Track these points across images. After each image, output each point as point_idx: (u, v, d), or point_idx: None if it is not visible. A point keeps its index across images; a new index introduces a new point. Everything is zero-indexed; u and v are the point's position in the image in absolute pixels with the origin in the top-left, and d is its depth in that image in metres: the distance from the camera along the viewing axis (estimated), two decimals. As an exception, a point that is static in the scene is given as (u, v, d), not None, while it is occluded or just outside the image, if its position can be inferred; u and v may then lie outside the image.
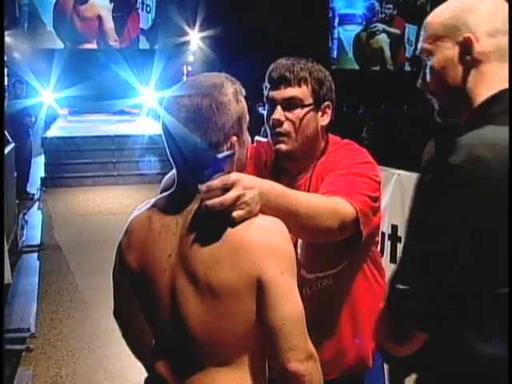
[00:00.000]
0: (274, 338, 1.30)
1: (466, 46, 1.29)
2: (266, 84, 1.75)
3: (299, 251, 1.73)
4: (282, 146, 1.73)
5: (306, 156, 1.77)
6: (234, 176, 1.30)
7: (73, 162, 10.25)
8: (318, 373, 1.33)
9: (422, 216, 1.26)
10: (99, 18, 16.31)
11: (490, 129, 1.24)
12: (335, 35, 16.62)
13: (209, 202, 1.27)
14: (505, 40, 1.29)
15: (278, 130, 1.72)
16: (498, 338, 1.24)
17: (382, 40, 15.81)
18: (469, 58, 1.30)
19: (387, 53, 15.48)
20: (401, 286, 1.23)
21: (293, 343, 1.29)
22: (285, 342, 1.29)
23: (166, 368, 1.42)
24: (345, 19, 16.61)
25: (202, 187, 1.27)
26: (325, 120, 1.77)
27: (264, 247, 1.29)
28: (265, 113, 1.77)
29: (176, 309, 1.35)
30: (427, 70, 1.37)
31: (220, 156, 1.31)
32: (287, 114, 1.71)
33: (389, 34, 15.66)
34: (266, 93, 1.76)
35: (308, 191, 1.72)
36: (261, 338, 1.34)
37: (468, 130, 1.26)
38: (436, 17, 1.35)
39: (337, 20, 16.60)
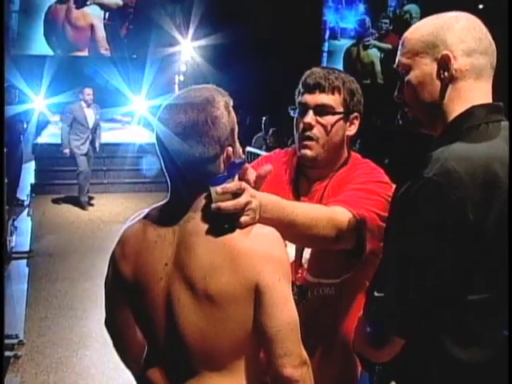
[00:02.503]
0: (270, 344, 1.33)
1: (443, 63, 1.35)
2: (300, 89, 1.82)
3: (306, 255, 1.78)
4: (308, 152, 1.78)
5: (328, 164, 1.82)
6: (244, 184, 1.36)
7: (63, 169, 10.21)
8: (310, 379, 1.37)
9: (395, 227, 1.32)
10: (92, 26, 16.31)
11: (462, 143, 1.30)
12: (325, 48, 16.70)
13: (222, 204, 1.32)
14: (481, 60, 1.35)
15: (308, 133, 1.77)
16: (472, 343, 1.30)
17: (374, 54, 15.91)
18: (446, 74, 1.35)
19: (378, 67, 15.56)
20: (377, 294, 1.29)
21: (288, 349, 1.33)
22: (280, 347, 1.32)
23: (159, 376, 1.45)
24: (335, 33, 16.69)
25: (217, 189, 1.32)
26: (352, 130, 1.83)
27: (261, 254, 1.34)
28: (295, 117, 1.82)
29: (172, 316, 1.38)
30: (404, 84, 1.42)
31: (237, 161, 1.38)
32: (318, 118, 1.77)
33: (380, 49, 15.75)
34: (298, 98, 1.82)
35: (321, 198, 1.78)
36: (255, 344, 1.38)
37: (441, 143, 1.33)
38: (415, 33, 1.40)
39: (327, 33, 16.69)
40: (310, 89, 1.78)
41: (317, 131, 1.77)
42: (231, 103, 1.42)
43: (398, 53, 1.43)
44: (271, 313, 1.33)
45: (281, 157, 1.95)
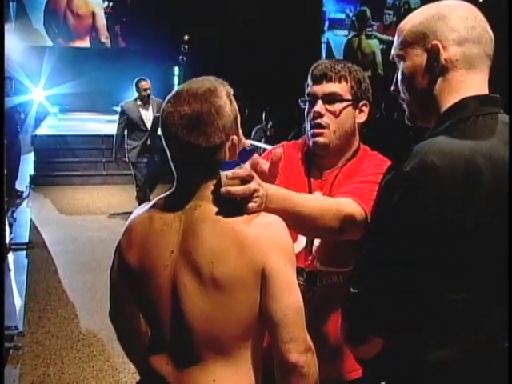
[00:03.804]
0: (276, 329, 1.35)
1: (433, 53, 1.30)
2: (308, 81, 1.87)
3: (316, 243, 1.81)
4: (320, 139, 1.82)
5: (339, 153, 1.86)
6: (253, 172, 1.40)
7: (62, 161, 10.22)
8: (315, 365, 1.38)
9: (372, 222, 1.31)
10: (93, 14, 16.30)
11: (445, 136, 1.25)
12: (324, 39, 16.68)
13: (232, 189, 1.35)
14: (474, 49, 1.30)
15: (318, 121, 1.82)
16: (450, 343, 1.24)
17: (375, 45, 15.90)
18: (436, 65, 1.30)
19: (379, 58, 15.55)
20: (352, 290, 1.26)
21: (294, 334, 1.34)
22: (287, 332, 1.34)
23: (164, 363, 1.46)
24: (334, 23, 16.67)
25: (228, 174, 1.36)
26: (362, 118, 1.87)
27: (268, 240, 1.37)
28: (306, 108, 1.87)
29: (178, 303, 1.40)
30: (399, 75, 1.39)
31: (248, 149, 1.43)
32: (327, 107, 1.81)
33: (381, 40, 15.74)
34: (307, 90, 1.87)
35: (330, 188, 1.82)
36: (260, 331, 1.39)
37: (431, 136, 1.28)
38: (407, 23, 1.37)
39: (327, 24, 16.66)
40: (318, 79, 1.83)
41: (327, 119, 1.81)
42: (231, 92, 1.45)
43: (394, 44, 1.41)
44: (277, 297, 1.35)
45: (290, 148, 1.98)
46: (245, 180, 1.38)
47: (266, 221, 1.40)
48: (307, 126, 1.86)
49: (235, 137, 1.41)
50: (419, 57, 1.33)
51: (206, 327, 1.37)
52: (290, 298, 1.36)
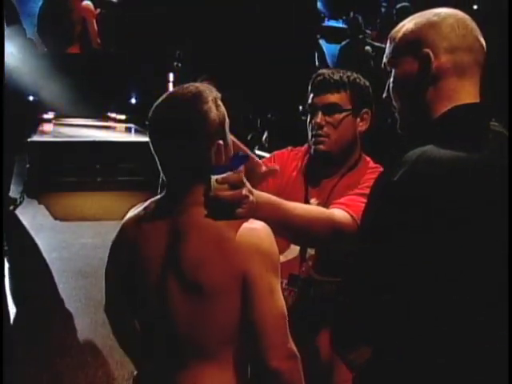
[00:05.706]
0: (257, 335, 1.36)
1: (424, 61, 1.32)
2: (309, 92, 1.91)
3: (310, 250, 1.85)
4: (321, 147, 1.87)
5: (340, 161, 1.89)
6: (244, 178, 1.42)
7: (56, 167, 10.18)
8: (298, 372, 1.39)
9: (361, 230, 1.32)
10: (83, 20, 16.29)
11: (433, 145, 1.25)
12: (318, 47, 16.73)
13: (220, 193, 1.37)
14: (465, 57, 1.31)
15: (319, 132, 1.87)
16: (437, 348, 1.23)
17: (367, 51, 15.97)
18: (427, 73, 1.32)
19: (371, 64, 15.64)
20: (341, 298, 1.29)
21: (275, 340, 1.36)
22: (267, 339, 1.35)
23: (152, 365, 1.48)
24: (329, 31, 16.72)
25: (218, 178, 1.37)
26: (363, 126, 1.91)
27: (250, 246, 1.38)
28: (308, 118, 1.91)
29: (163, 306, 1.42)
30: (390, 83, 1.40)
31: (240, 154, 1.45)
32: (327, 118, 1.86)
33: (374, 47, 15.81)
34: (308, 100, 1.91)
35: (328, 196, 1.85)
36: (243, 336, 1.40)
37: (420, 144, 1.28)
38: (399, 31, 1.38)
39: (321, 32, 16.70)
40: (317, 90, 1.88)
41: (327, 129, 1.85)
42: (219, 97, 1.47)
43: (386, 52, 1.42)
44: (258, 303, 1.36)
45: (293, 154, 2.01)
46: (235, 185, 1.38)
47: (250, 227, 1.41)
48: (309, 135, 1.90)
49: (221, 141, 1.42)
50: (410, 65, 1.34)
51: (189, 331, 1.39)
52: (270, 304, 1.36)
